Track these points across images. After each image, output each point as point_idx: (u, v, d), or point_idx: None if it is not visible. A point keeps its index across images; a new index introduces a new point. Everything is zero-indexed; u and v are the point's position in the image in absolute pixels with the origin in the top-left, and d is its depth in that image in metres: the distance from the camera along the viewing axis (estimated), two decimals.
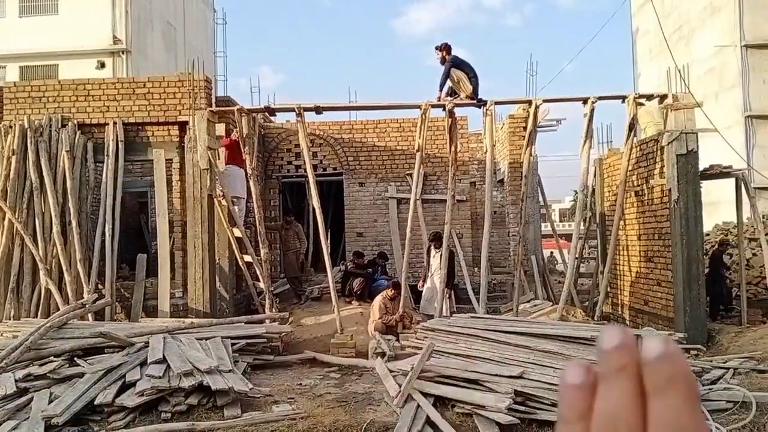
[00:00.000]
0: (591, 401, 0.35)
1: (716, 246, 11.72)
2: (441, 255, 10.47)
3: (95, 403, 6.12)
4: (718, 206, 16.17)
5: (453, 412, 5.94)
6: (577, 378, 0.36)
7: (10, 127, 10.12)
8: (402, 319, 9.64)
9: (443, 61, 10.32)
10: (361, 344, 9.18)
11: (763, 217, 12.16)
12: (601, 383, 0.35)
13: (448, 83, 10.43)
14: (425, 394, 6.12)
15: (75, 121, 10.34)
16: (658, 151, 9.85)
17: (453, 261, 11.22)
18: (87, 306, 9.08)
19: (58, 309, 9.19)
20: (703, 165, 9.74)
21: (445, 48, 10.38)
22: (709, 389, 6.31)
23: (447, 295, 10.52)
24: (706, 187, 10.00)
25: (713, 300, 10.77)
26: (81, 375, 6.66)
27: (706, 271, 10.57)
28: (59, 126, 10.25)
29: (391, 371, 6.92)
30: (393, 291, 9.80)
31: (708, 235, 12.90)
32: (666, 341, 0.36)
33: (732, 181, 10.58)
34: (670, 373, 0.34)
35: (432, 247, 10.90)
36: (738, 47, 20.68)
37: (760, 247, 10.66)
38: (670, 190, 9.44)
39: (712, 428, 5.39)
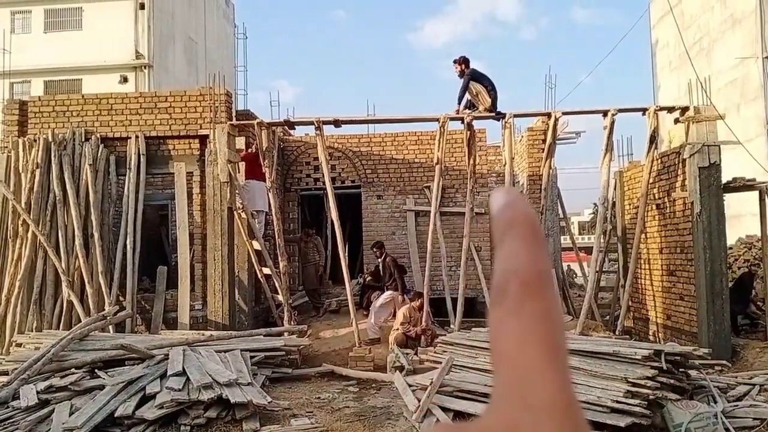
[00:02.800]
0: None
1: (747, 270, 11.54)
2: (383, 263, 10.99)
3: (115, 415, 6.15)
4: (740, 219, 15.95)
5: None
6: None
7: (35, 140, 10.29)
8: (424, 332, 9.60)
9: (462, 74, 10.34)
10: (380, 358, 9.15)
11: None
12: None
13: (467, 96, 10.44)
14: (444, 409, 6.08)
15: (98, 135, 10.50)
16: (680, 164, 9.75)
17: (399, 267, 11.50)
18: (108, 318, 9.17)
19: (80, 321, 9.28)
20: (725, 177, 9.61)
21: (464, 61, 10.40)
22: (735, 406, 6.19)
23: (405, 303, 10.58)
24: (728, 199, 9.86)
25: (734, 316, 10.60)
26: (101, 387, 6.70)
27: (731, 286, 10.40)
28: (82, 140, 10.40)
29: (409, 385, 6.88)
30: (419, 301, 9.84)
31: (731, 248, 12.70)
32: (508, 191, 0.37)
33: (755, 193, 10.43)
34: (510, 219, 0.35)
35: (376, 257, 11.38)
36: (760, 59, 20.46)
37: None
38: (692, 203, 9.32)
39: None
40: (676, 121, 10.05)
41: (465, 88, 10.28)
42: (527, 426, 0.29)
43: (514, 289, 0.32)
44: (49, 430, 5.94)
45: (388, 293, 10.74)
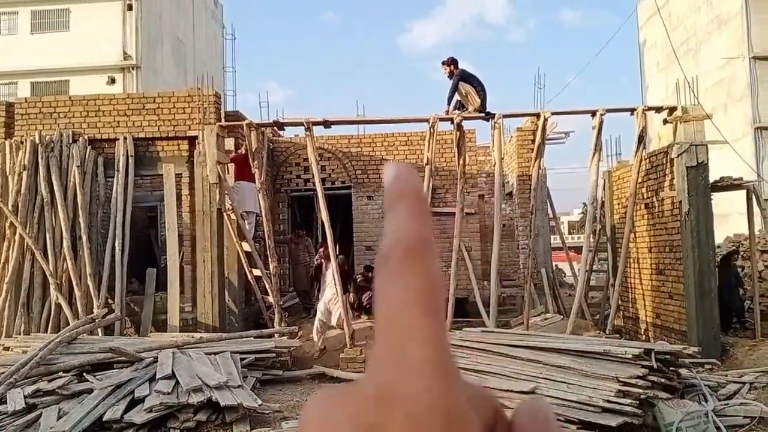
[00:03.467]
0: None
1: (723, 256, 11.59)
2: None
3: (104, 419, 6.09)
4: (728, 218, 16.06)
5: None
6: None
7: (22, 142, 10.20)
8: None
9: (451, 75, 10.34)
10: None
11: None
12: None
13: (456, 97, 10.44)
14: None
15: (86, 137, 10.41)
16: (668, 164, 9.80)
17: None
18: (97, 321, 9.09)
19: (68, 324, 9.20)
20: (713, 177, 9.67)
21: (452, 62, 10.41)
22: (725, 404, 6.22)
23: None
24: (716, 198, 9.92)
25: (722, 310, 10.64)
26: (90, 391, 6.64)
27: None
28: (70, 141, 10.32)
29: None
30: None
31: (719, 247, 12.78)
32: (398, 165, 0.37)
33: (742, 192, 10.50)
34: (399, 191, 0.36)
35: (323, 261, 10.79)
36: (746, 59, 20.65)
37: None
38: (680, 202, 9.38)
39: None
40: (665, 121, 10.11)
41: (454, 89, 10.29)
42: (399, 382, 0.29)
43: (397, 256, 0.33)
44: None
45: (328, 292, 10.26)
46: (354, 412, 0.30)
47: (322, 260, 10.56)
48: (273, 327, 10.01)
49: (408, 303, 0.31)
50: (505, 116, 10.60)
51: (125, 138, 10.38)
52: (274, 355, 8.66)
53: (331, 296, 10.00)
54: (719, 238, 12.81)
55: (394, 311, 0.31)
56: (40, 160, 10.02)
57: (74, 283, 9.73)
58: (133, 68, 19.85)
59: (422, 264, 0.32)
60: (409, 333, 0.30)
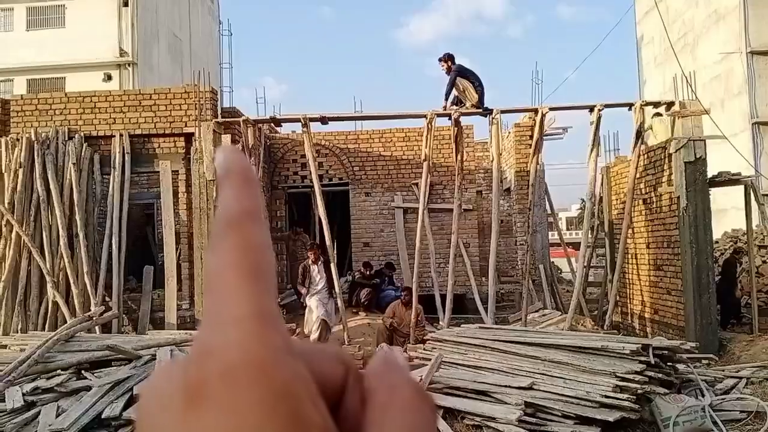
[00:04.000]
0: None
1: (730, 254, 11.63)
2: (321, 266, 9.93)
3: (102, 416, 6.08)
4: (725, 213, 16.08)
5: (462, 424, 5.89)
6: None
7: (17, 140, 10.15)
8: (422, 331, 9.59)
9: (449, 71, 10.32)
10: (369, 356, 9.12)
11: None
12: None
13: (454, 92, 10.42)
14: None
15: (82, 134, 10.38)
16: (666, 159, 9.80)
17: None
18: (94, 318, 9.07)
19: (66, 322, 9.18)
20: (710, 172, 9.68)
21: (449, 58, 10.38)
22: (722, 399, 6.23)
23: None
24: (713, 194, 9.93)
25: (725, 309, 10.67)
26: (88, 388, 6.63)
27: (718, 278, 10.49)
28: (66, 138, 10.28)
29: None
30: (406, 295, 9.82)
31: (717, 242, 12.81)
32: (224, 149, 0.38)
33: (740, 188, 10.51)
34: (226, 170, 0.37)
35: (310, 260, 10.07)
36: (743, 54, 20.65)
37: None
38: (678, 197, 9.38)
39: None
40: (656, 114, 10.11)
41: (452, 85, 10.27)
42: (215, 338, 0.30)
43: (219, 228, 0.34)
44: (36, 431, 5.87)
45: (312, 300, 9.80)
46: (177, 373, 0.30)
47: (310, 263, 9.95)
48: None
49: (225, 266, 0.32)
50: (502, 112, 10.59)
51: (121, 135, 10.35)
52: None
53: (315, 311, 9.61)
54: (717, 234, 12.83)
55: (213, 276, 0.32)
56: (36, 157, 9.98)
57: (71, 281, 9.71)
58: (129, 65, 19.78)
59: (240, 232, 0.33)
60: (227, 294, 0.31)
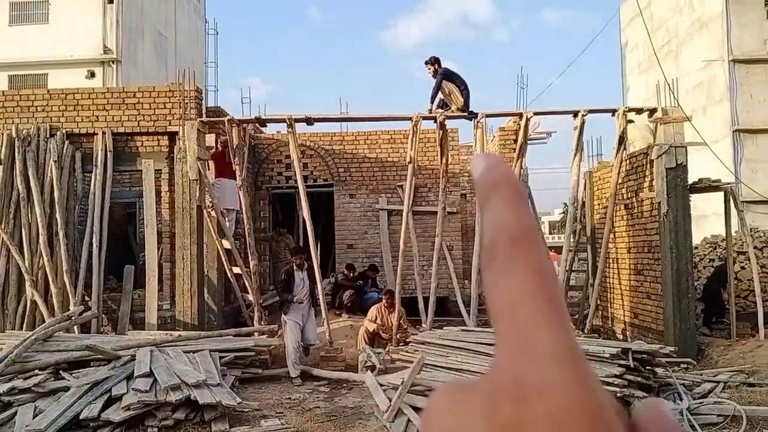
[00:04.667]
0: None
1: (723, 263, 11.79)
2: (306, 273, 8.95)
3: (81, 417, 6.02)
4: (705, 219, 16.27)
5: None
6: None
7: None
8: (403, 333, 9.59)
9: (435, 74, 10.35)
10: (351, 357, 9.12)
11: (752, 231, 12.23)
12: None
13: (440, 95, 10.46)
14: (416, 409, 6.07)
15: (63, 131, 10.27)
16: (648, 165, 9.90)
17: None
18: (73, 318, 8.97)
19: (44, 321, 9.07)
20: (691, 178, 9.79)
21: (435, 61, 10.42)
22: (700, 403, 6.30)
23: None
24: (694, 200, 10.05)
25: (711, 309, 10.87)
26: (66, 389, 6.56)
27: (710, 278, 10.68)
28: (47, 135, 10.17)
29: (381, 385, 6.86)
30: (388, 298, 9.79)
31: (697, 248, 12.95)
32: (488, 156, 0.37)
33: (720, 194, 10.65)
34: (492, 182, 0.35)
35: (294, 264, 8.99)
36: (726, 62, 20.91)
37: (749, 260, 10.71)
38: (659, 203, 9.48)
39: None
40: (629, 121, 10.21)
41: (438, 87, 10.30)
42: (532, 375, 0.28)
43: (503, 248, 0.32)
44: None
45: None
46: (486, 409, 0.28)
47: (294, 268, 8.87)
48: (253, 325, 9.96)
49: (523, 292, 0.30)
50: (487, 116, 10.64)
51: (104, 133, 10.25)
52: (254, 353, 8.61)
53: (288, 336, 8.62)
54: (697, 239, 12.97)
55: (508, 306, 0.30)
56: (16, 154, 9.86)
57: (50, 280, 9.60)
58: (113, 62, 19.59)
59: (530, 253, 0.31)
60: (533, 324, 0.29)
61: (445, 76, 10.34)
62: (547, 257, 0.32)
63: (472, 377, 6.46)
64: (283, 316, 8.82)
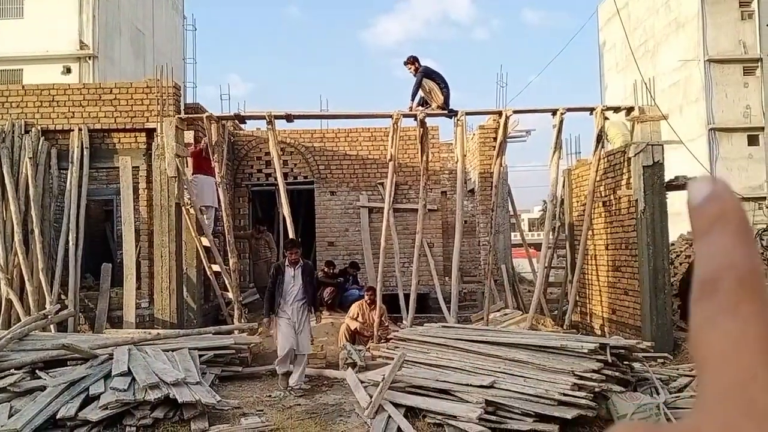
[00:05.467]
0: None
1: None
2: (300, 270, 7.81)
3: (57, 417, 5.94)
4: (681, 216, 16.47)
5: (424, 423, 5.91)
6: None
7: None
8: (385, 330, 9.59)
9: (416, 72, 10.37)
10: (332, 355, 9.10)
11: None
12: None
13: (420, 93, 10.48)
14: (396, 405, 6.08)
15: (39, 127, 10.11)
16: (625, 163, 10.01)
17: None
18: (49, 317, 8.85)
19: (20, 320, 8.93)
20: (668, 176, 9.92)
21: (414, 60, 10.43)
22: (676, 397, 6.40)
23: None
24: (670, 197, 10.18)
25: (686, 304, 11.03)
26: (43, 388, 6.47)
27: (681, 277, 10.82)
28: (22, 132, 10.00)
29: (361, 382, 6.86)
30: (370, 295, 9.78)
31: (673, 245, 13.12)
32: (713, 180, 0.33)
33: None
34: (717, 213, 0.32)
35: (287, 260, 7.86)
36: (701, 62, 21.22)
37: None
38: (636, 200, 9.59)
39: None
40: (606, 118, 10.32)
41: (418, 85, 10.31)
42: (745, 430, 0.26)
43: (728, 286, 0.30)
44: None
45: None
46: None
47: (286, 264, 7.81)
48: (232, 323, 9.90)
49: (744, 342, 0.28)
50: (467, 113, 10.69)
51: (80, 129, 10.11)
52: (234, 351, 8.56)
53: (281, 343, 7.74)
54: (673, 236, 13.14)
55: (727, 350, 0.28)
56: None
57: (26, 278, 9.45)
58: (89, 58, 19.31)
59: (756, 298, 0.29)
60: (752, 375, 0.27)
61: (426, 74, 10.36)
62: None
63: (449, 372, 6.47)
64: (272, 315, 7.80)
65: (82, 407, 6.11)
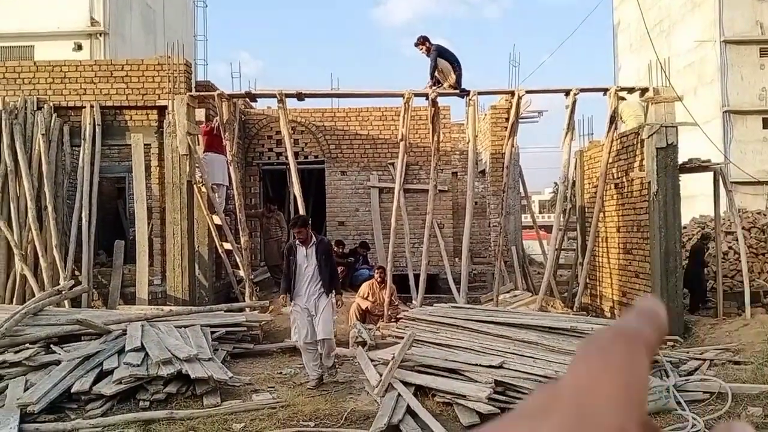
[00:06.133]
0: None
1: (698, 240, 11.85)
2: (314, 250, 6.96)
3: (72, 391, 6.03)
4: (694, 199, 16.38)
5: (433, 402, 5.96)
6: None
7: None
8: (390, 305, 9.64)
9: (428, 52, 10.26)
10: (342, 333, 9.16)
11: (740, 211, 12.34)
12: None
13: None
14: (406, 384, 6.13)
15: (51, 104, 10.12)
16: (638, 144, 9.92)
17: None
18: (63, 292, 8.94)
19: (34, 295, 9.03)
20: (681, 158, 9.83)
21: (425, 40, 10.31)
22: (686, 380, 6.40)
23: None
24: (683, 180, 10.10)
25: (693, 294, 10.93)
26: (57, 362, 6.56)
27: (686, 263, 10.71)
28: (35, 108, 10.03)
29: (371, 360, 6.91)
30: (380, 273, 9.82)
31: (685, 228, 13.05)
32: (650, 304, 0.37)
33: (709, 174, 10.71)
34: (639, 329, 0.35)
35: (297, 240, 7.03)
36: (717, 43, 20.90)
37: (737, 240, 10.81)
38: (649, 182, 9.51)
39: (689, 418, 5.46)
40: (621, 98, 10.19)
41: (435, 62, 10.18)
42: None
43: (610, 335, 0.34)
44: (3, 405, 5.79)
45: None
46: None
47: (298, 243, 7.00)
48: (244, 301, 9.97)
49: (607, 373, 0.31)
50: (479, 93, 10.60)
51: (92, 106, 10.12)
52: (245, 329, 8.64)
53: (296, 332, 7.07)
54: (685, 219, 13.07)
55: (588, 376, 0.32)
56: (3, 127, 9.73)
57: (40, 254, 9.54)
58: (100, 34, 19.26)
59: (631, 346, 0.33)
60: (600, 400, 0.31)
61: (439, 53, 10.26)
62: (646, 363, 0.33)
63: (459, 352, 6.49)
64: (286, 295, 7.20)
65: (96, 382, 6.20)
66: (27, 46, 19.14)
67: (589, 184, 12.04)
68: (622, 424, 0.32)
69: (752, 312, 9.57)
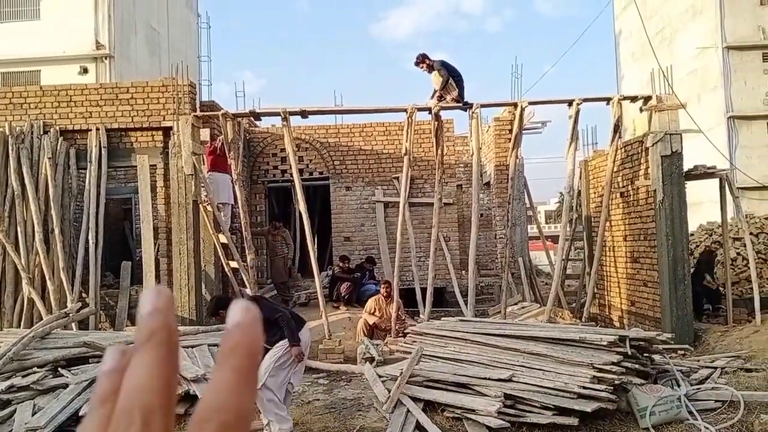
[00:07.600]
0: (120, 382, 0.37)
1: (704, 251, 11.78)
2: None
3: (80, 414, 6.02)
4: (700, 206, 16.31)
5: (443, 417, 5.92)
6: (110, 363, 0.39)
7: None
8: (397, 320, 9.61)
9: (430, 69, 10.28)
10: (350, 350, 9.13)
11: (747, 217, 12.26)
12: (134, 356, 0.37)
13: (435, 86, 10.41)
14: (415, 399, 6.09)
15: (57, 128, 10.21)
16: (643, 153, 9.91)
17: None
18: (71, 315, 8.96)
19: (41, 318, 9.06)
20: (687, 166, 9.80)
21: (425, 57, 10.32)
22: (697, 389, 6.33)
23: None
24: (689, 187, 10.07)
25: (701, 300, 10.87)
26: (65, 386, 6.56)
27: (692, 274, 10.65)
28: (41, 132, 10.12)
29: (380, 376, 6.88)
30: (386, 287, 9.80)
31: (693, 235, 12.99)
32: (246, 309, 0.36)
33: (715, 181, 10.66)
34: (234, 343, 0.35)
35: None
36: (719, 49, 20.91)
37: (744, 246, 10.74)
38: (655, 191, 9.49)
39: (701, 428, 5.40)
40: (642, 109, 10.20)
41: (446, 75, 10.16)
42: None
43: (211, 429, 0.34)
44: (11, 430, 5.79)
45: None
46: None
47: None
48: None
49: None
50: (482, 106, 10.62)
51: (98, 129, 10.20)
52: None
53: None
54: (692, 226, 13.00)
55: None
56: (10, 151, 9.82)
57: (47, 277, 9.58)
58: (106, 57, 19.47)
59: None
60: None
61: (443, 66, 10.29)
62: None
63: (467, 366, 6.44)
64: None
65: None
66: (33, 71, 19.36)
67: (595, 193, 12.01)
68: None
69: (762, 318, 9.48)
